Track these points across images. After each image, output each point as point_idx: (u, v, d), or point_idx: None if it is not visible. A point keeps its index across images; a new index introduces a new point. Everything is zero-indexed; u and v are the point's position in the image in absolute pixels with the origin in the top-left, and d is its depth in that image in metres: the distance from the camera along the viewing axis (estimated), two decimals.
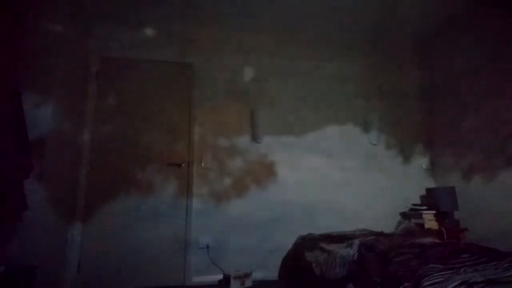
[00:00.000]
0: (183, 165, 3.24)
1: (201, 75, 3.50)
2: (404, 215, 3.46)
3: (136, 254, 2.97)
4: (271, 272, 3.11)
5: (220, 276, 2.91)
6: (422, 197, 3.61)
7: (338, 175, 3.54)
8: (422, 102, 3.95)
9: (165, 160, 3.22)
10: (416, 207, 3.28)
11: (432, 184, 3.69)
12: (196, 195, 3.21)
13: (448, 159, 3.56)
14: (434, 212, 3.18)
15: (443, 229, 3.06)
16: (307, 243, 2.76)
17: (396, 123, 3.83)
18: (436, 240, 2.39)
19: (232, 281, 2.75)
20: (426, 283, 1.43)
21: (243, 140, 3.44)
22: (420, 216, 3.18)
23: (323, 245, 2.53)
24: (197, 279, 3.02)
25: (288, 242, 3.07)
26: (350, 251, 2.08)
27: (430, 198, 3.35)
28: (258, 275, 3.01)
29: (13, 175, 1.98)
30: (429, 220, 3.14)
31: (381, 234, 2.80)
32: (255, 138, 3.45)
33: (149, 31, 3.48)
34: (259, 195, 3.33)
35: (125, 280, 2.89)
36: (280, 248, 3.15)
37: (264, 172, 3.40)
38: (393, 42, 4.01)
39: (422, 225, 3.12)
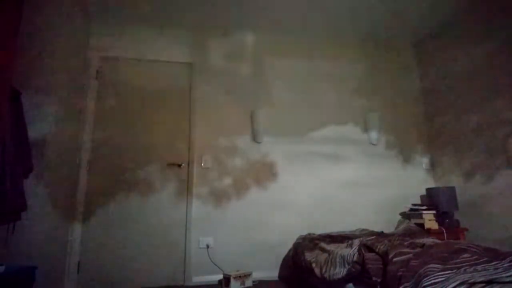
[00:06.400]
0: (183, 165, 3.24)
1: (201, 75, 3.51)
2: (404, 215, 3.46)
3: (136, 254, 2.97)
4: (271, 272, 3.12)
5: (220, 276, 2.91)
6: (422, 197, 3.61)
7: (338, 175, 3.54)
8: (422, 102, 3.96)
9: (165, 160, 3.22)
10: (416, 207, 3.28)
11: (432, 184, 3.70)
12: (196, 195, 3.21)
13: (448, 159, 3.56)
14: (434, 212, 3.18)
15: (443, 229, 3.07)
16: (307, 243, 2.76)
17: (396, 123, 3.83)
18: (436, 240, 2.40)
19: (232, 281, 2.75)
20: (426, 283, 1.43)
21: (243, 140, 3.44)
22: (420, 216, 3.18)
23: (323, 245, 2.53)
24: (197, 279, 3.02)
25: (288, 242, 3.08)
26: (350, 251, 2.08)
27: (430, 198, 3.35)
28: (258, 275, 3.01)
29: (13, 175, 1.98)
30: (429, 220, 3.14)
31: (381, 234, 2.80)
32: (255, 138, 3.45)
33: (149, 31, 3.49)
34: (259, 195, 3.33)
35: (125, 280, 2.89)
36: (280, 248, 3.15)
37: (264, 172, 3.40)
38: (393, 42, 4.02)
39: (422, 225, 3.12)
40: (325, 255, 2.31)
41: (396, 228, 3.28)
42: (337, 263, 2.10)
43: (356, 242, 2.20)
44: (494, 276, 1.36)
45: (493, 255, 1.76)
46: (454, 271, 1.51)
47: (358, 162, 3.63)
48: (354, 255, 2.01)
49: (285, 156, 3.48)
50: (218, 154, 3.35)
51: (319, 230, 3.08)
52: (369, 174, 3.61)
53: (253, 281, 2.91)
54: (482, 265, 1.59)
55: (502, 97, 2.94)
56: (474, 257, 1.72)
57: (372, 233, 2.88)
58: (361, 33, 3.80)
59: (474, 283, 1.32)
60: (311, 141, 3.58)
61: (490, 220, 3.00)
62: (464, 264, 1.62)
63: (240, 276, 2.81)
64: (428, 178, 3.74)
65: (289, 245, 3.04)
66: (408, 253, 1.87)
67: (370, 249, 2.06)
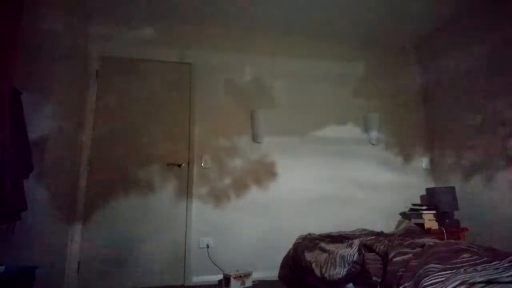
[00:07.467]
0: (183, 165, 3.24)
1: (201, 75, 3.51)
2: (404, 215, 3.46)
3: (136, 254, 2.97)
4: (271, 272, 3.10)
5: (220, 276, 2.91)
6: (422, 197, 3.61)
7: (338, 175, 3.54)
8: (422, 102, 3.96)
9: (165, 160, 3.22)
10: (416, 207, 3.28)
11: (432, 184, 3.69)
12: (196, 195, 3.21)
13: (448, 159, 3.56)
14: (434, 212, 3.18)
15: (443, 229, 3.06)
16: (307, 243, 2.75)
17: (396, 123, 3.83)
18: (436, 240, 2.39)
19: (232, 281, 2.75)
20: (426, 283, 1.43)
21: (243, 140, 3.44)
22: (420, 216, 3.18)
23: (323, 245, 2.52)
24: (197, 279, 3.02)
25: (288, 242, 3.07)
26: (350, 251, 2.08)
27: (430, 198, 3.35)
28: (258, 275, 3.01)
29: (13, 175, 1.98)
30: (429, 220, 3.14)
31: (381, 234, 2.80)
32: (255, 138, 3.45)
33: (149, 31, 3.48)
34: (259, 195, 3.33)
35: (125, 280, 2.89)
36: (280, 248, 3.14)
37: (264, 172, 3.40)
38: (393, 42, 4.01)
39: (422, 225, 3.12)
40: (325, 255, 2.31)
41: (396, 228, 3.27)
42: (337, 263, 2.10)
43: (356, 242, 2.19)
44: (494, 276, 1.36)
45: (493, 255, 1.75)
46: (454, 271, 1.51)
47: (357, 162, 3.63)
48: (354, 255, 2.01)
49: (285, 156, 3.48)
50: (218, 154, 3.35)
51: (319, 230, 3.07)
52: (369, 174, 3.61)
53: (253, 281, 2.91)
54: (482, 265, 1.59)
55: (502, 97, 2.94)
56: (474, 257, 1.72)
57: (372, 233, 2.87)
58: (361, 33, 3.80)
59: (474, 283, 1.31)
60: (311, 141, 3.59)
61: (490, 220, 3.00)
62: (464, 264, 1.61)
63: (240, 276, 2.81)
64: (428, 178, 3.74)
65: (289, 245, 3.03)
66: (408, 253, 1.86)
67: (370, 249, 2.05)
